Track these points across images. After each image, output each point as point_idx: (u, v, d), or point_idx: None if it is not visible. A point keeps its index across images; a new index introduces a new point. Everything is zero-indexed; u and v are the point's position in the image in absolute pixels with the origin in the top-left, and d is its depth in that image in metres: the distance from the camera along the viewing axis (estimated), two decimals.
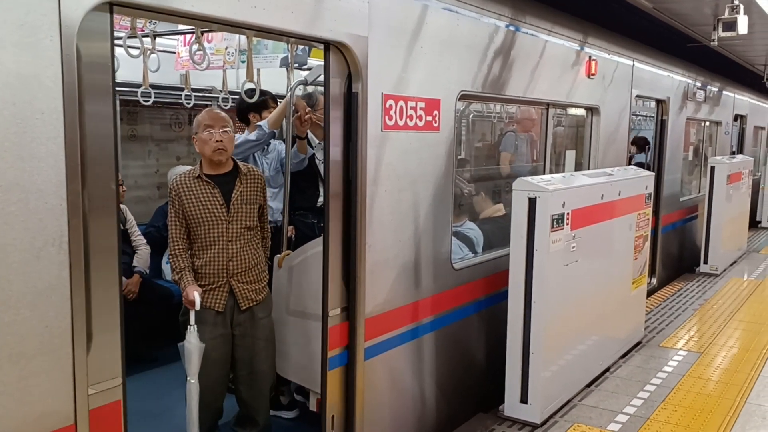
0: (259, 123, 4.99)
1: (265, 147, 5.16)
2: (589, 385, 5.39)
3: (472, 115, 7.26)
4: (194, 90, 6.29)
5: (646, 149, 10.20)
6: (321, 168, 4.82)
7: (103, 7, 2.51)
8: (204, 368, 3.83)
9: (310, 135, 5.10)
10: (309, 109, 4.80)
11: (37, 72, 2.30)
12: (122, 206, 4.59)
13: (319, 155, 5.01)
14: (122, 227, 4.78)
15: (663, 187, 8.77)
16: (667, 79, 8.82)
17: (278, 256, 4.59)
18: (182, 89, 6.27)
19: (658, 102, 8.79)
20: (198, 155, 4.21)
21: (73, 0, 2.37)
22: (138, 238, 6.13)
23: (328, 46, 3.54)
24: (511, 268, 4.69)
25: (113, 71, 2.61)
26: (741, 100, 13.25)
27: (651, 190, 6.35)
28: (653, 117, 9.12)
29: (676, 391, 5.28)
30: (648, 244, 6.43)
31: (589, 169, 6.72)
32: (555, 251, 4.62)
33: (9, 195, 2.27)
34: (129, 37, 3.84)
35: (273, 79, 6.07)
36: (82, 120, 2.47)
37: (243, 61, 5.99)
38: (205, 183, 4.05)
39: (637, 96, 7.75)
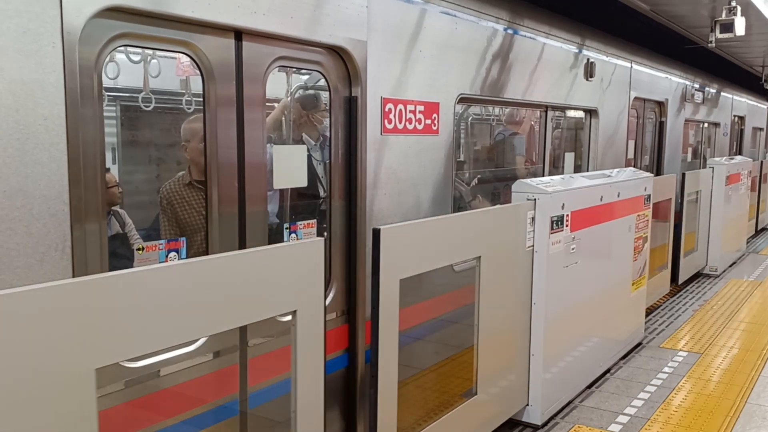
0: None
1: None
2: (589, 387, 5.40)
3: (471, 118, 7.27)
4: (194, 95, 6.29)
5: None
6: (318, 169, 4.83)
7: (104, 14, 2.53)
8: None
9: (305, 136, 5.12)
10: (304, 112, 4.82)
11: (40, 78, 2.32)
12: (121, 210, 4.60)
13: (317, 156, 5.02)
14: (121, 231, 4.79)
15: None
16: (665, 80, 8.84)
17: None
18: (183, 94, 6.29)
19: (659, 103, 8.82)
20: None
21: (75, 7, 2.40)
22: (137, 241, 6.13)
23: (240, 35, 3.18)
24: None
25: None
26: (739, 101, 13.28)
27: (650, 191, 6.36)
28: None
29: (677, 392, 5.29)
30: (648, 245, 6.45)
31: (588, 170, 6.74)
32: (555, 253, 4.64)
33: (12, 201, 2.28)
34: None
35: (269, 85, 6.08)
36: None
37: None
38: (197, 189, 4.03)
39: (635, 98, 7.78)
